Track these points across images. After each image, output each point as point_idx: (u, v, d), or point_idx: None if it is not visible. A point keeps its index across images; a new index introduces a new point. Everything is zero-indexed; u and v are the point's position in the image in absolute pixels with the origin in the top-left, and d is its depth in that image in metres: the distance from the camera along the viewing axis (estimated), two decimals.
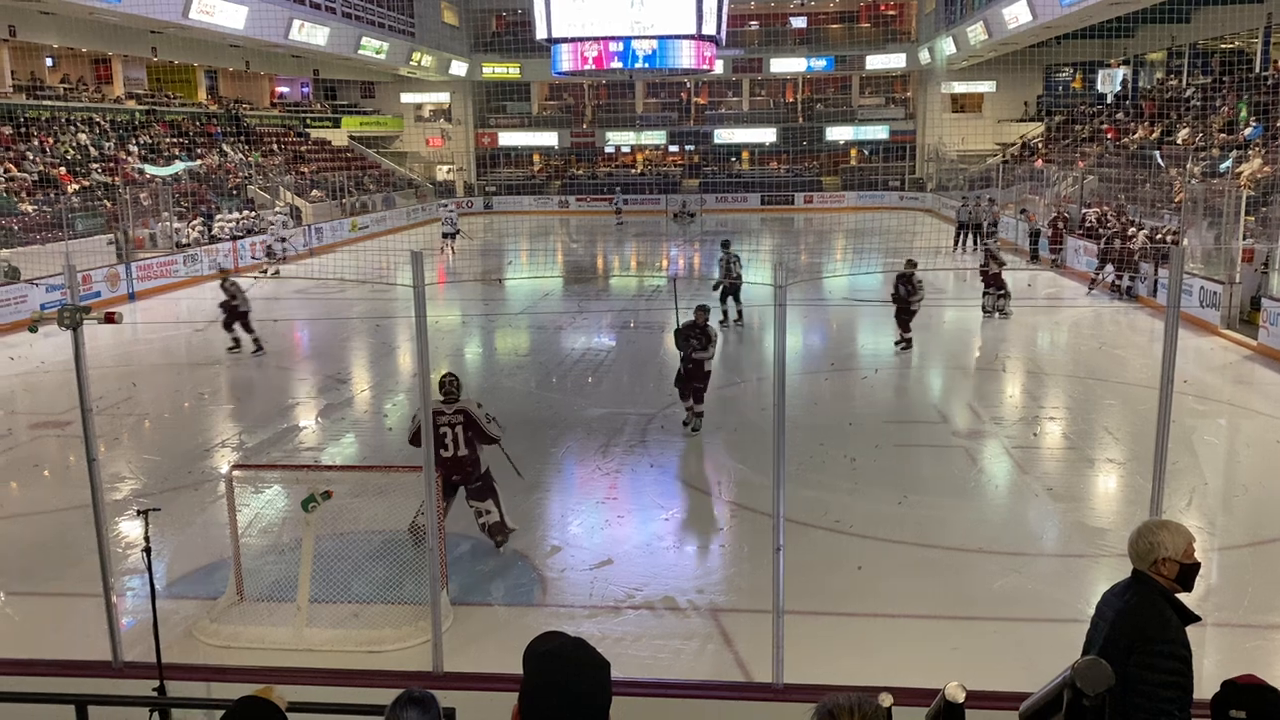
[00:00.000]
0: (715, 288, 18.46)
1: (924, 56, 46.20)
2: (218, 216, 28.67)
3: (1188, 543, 3.56)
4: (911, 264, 16.65)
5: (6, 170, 27.21)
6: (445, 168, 51.38)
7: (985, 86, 46.89)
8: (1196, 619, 3.54)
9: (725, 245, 18.83)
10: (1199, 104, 29.91)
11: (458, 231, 30.72)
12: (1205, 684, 3.83)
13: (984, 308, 19.39)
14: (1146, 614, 3.49)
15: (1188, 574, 3.55)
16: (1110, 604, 3.65)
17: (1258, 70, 29.95)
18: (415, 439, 8.21)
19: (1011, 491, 10.36)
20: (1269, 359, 15.36)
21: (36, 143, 29.60)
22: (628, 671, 6.19)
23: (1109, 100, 38.75)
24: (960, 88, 47.71)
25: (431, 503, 5.98)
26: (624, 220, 42.03)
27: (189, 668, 5.91)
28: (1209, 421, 12.55)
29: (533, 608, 7.67)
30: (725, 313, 18.20)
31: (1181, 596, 3.58)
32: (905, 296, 16.34)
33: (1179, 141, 28.59)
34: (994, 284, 19.16)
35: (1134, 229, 22.30)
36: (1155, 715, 3.35)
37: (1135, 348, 16.85)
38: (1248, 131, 25.44)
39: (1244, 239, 17.75)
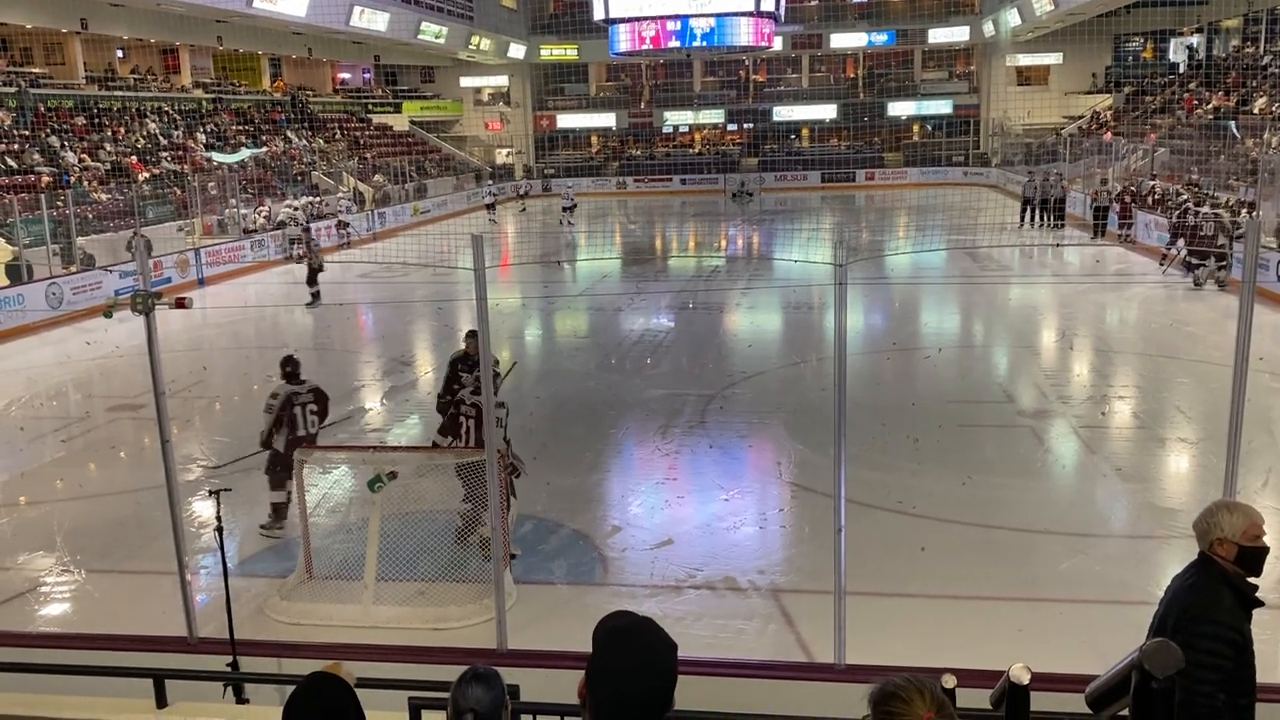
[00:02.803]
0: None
1: (988, 29, 45.25)
2: (262, 209, 29.11)
3: (1250, 524, 3.44)
4: (472, 334, 9.84)
5: (81, 160, 27.95)
6: (504, 151, 51.64)
7: (1052, 58, 45.80)
8: (1259, 604, 3.44)
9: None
10: (1277, 71, 28.91)
11: (574, 205, 35.75)
12: None
13: (1197, 280, 18.99)
14: (1198, 594, 3.41)
15: (1248, 557, 3.44)
16: (1175, 582, 3.58)
17: None
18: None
19: (1079, 472, 10.17)
20: None
21: (109, 132, 30.35)
22: (689, 651, 6.17)
23: (1181, 70, 37.62)
24: (1025, 60, 46.67)
25: (494, 485, 6.05)
26: (526, 208, 41.25)
27: (261, 644, 6.06)
28: None
29: (594, 586, 7.73)
30: None
31: (1255, 582, 3.48)
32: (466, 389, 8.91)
33: (1255, 111, 27.69)
34: (1218, 256, 18.80)
35: (1207, 204, 21.63)
36: (1193, 695, 3.26)
37: (1208, 324, 16.39)
38: None
39: None
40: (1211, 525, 3.47)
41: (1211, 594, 3.40)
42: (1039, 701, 2.89)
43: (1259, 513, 3.52)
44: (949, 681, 2.54)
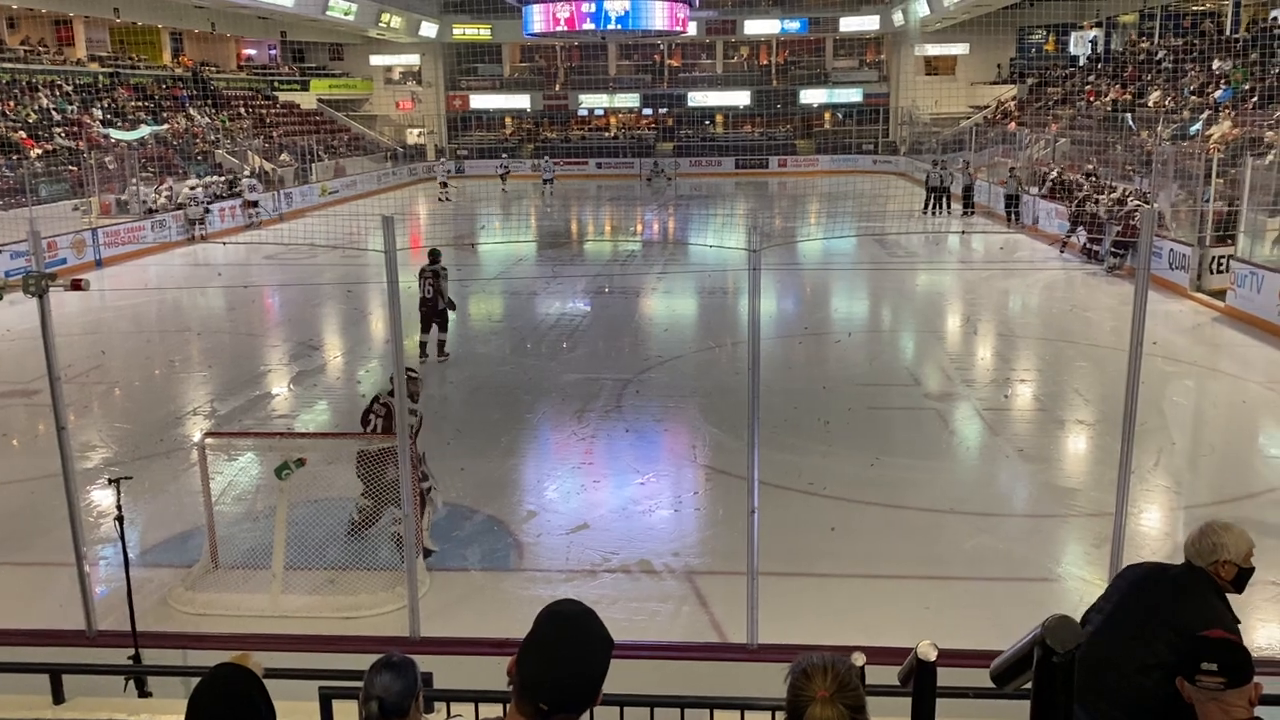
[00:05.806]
0: None
1: (897, 18, 46.00)
2: (164, 188, 27.99)
3: (1250, 547, 3.60)
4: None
5: None
6: (416, 131, 50.82)
7: (959, 49, 46.77)
8: (1237, 622, 3.55)
9: None
10: (1170, 66, 29.98)
11: (552, 179, 37.04)
12: None
13: (1113, 267, 19.32)
14: (1210, 611, 3.48)
15: (1243, 578, 3.60)
16: (1161, 589, 3.61)
17: (1228, 32, 30.01)
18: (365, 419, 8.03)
19: (982, 453, 10.47)
20: (1237, 321, 15.53)
21: None
22: None
23: (1081, 63, 38.77)
24: (933, 50, 47.57)
25: (406, 473, 5.98)
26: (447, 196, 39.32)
27: (164, 635, 5.90)
28: (1177, 382, 12.70)
29: (509, 572, 7.69)
30: None
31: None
32: None
33: (1150, 104, 28.69)
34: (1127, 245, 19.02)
35: (1105, 192, 22.37)
36: None
37: (1105, 310, 16.98)
38: (1218, 94, 25.54)
39: (1213, 201, 17.86)
40: (1218, 546, 3.58)
41: (1219, 609, 3.51)
42: (945, 677, 2.97)
43: (1250, 536, 3.66)
44: (859, 659, 2.59)
